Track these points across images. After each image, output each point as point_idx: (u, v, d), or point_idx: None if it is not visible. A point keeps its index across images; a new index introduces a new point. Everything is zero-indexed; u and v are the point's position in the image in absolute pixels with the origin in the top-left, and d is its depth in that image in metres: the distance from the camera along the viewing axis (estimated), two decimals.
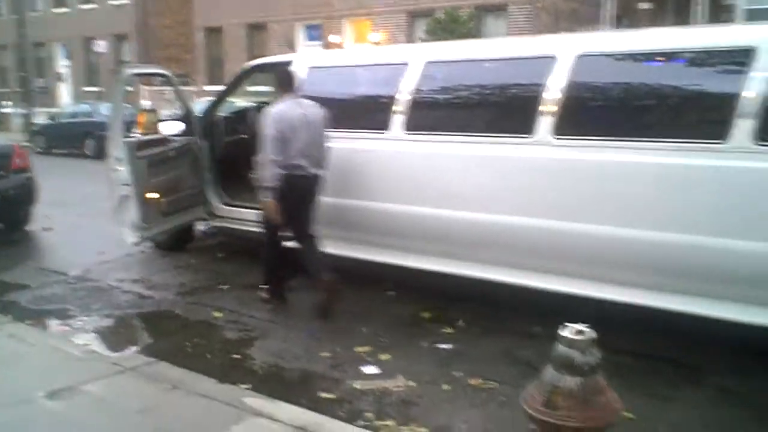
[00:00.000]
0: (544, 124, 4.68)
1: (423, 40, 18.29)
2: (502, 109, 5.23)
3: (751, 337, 4.19)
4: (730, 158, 4.04)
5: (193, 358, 4.59)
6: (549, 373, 2.36)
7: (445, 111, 5.58)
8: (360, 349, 4.65)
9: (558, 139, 4.63)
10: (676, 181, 4.25)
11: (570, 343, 2.31)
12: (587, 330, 2.33)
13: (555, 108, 4.66)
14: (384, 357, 4.51)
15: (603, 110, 4.71)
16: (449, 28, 18.40)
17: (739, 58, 4.12)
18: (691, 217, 4.21)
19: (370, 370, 4.34)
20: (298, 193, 5.31)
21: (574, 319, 2.48)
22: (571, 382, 2.29)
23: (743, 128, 3.99)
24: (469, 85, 5.44)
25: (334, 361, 4.50)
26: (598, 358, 2.37)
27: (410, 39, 21.12)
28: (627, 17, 19.23)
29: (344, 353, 4.61)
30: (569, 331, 2.34)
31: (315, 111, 5.41)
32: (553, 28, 18.41)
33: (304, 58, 6.62)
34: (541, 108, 4.72)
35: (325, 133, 5.48)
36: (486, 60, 5.46)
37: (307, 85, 5.99)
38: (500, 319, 5.14)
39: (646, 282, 4.44)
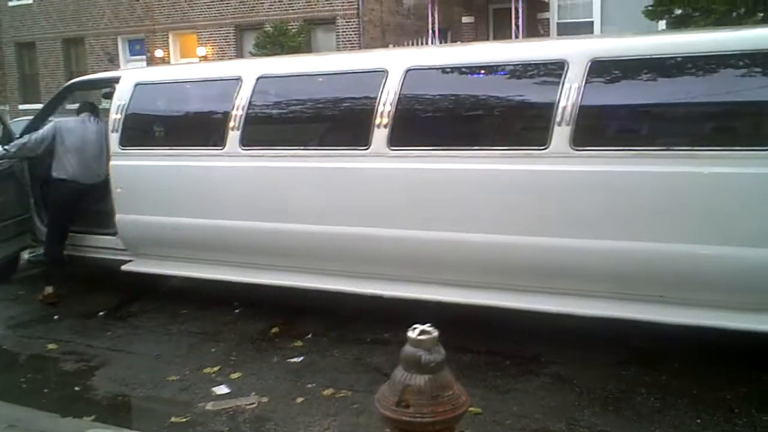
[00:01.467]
0: (379, 136, 4.83)
1: (253, 54, 18.19)
2: (338, 123, 5.35)
3: (581, 327, 4.55)
4: (551, 163, 4.35)
5: (29, 394, 4.34)
6: (399, 373, 2.46)
7: (281, 126, 5.60)
8: (209, 369, 4.57)
9: (392, 150, 4.79)
10: (503, 185, 4.52)
11: (416, 343, 2.43)
12: (431, 330, 2.45)
13: (388, 120, 4.82)
14: (235, 375, 4.46)
15: (434, 121, 4.93)
16: (278, 41, 18.41)
17: (554, 70, 4.45)
18: (518, 219, 4.48)
19: (221, 390, 4.28)
20: (69, 202, 6.05)
21: (418, 322, 2.60)
22: (420, 379, 2.40)
23: (561, 135, 4.32)
24: (304, 100, 5.49)
25: (182, 384, 4.39)
26: (443, 355, 2.49)
27: (240, 53, 20.92)
28: (451, 30, 20.14)
29: (193, 375, 4.51)
30: (415, 331, 2.45)
31: (93, 127, 6.16)
32: (381, 40, 18.95)
33: (131, 74, 6.41)
34: (374, 120, 4.85)
35: (104, 146, 6.00)
36: (320, 74, 5.52)
37: (135, 103, 5.82)
38: (349, 328, 5.23)
39: (483, 282, 4.68)
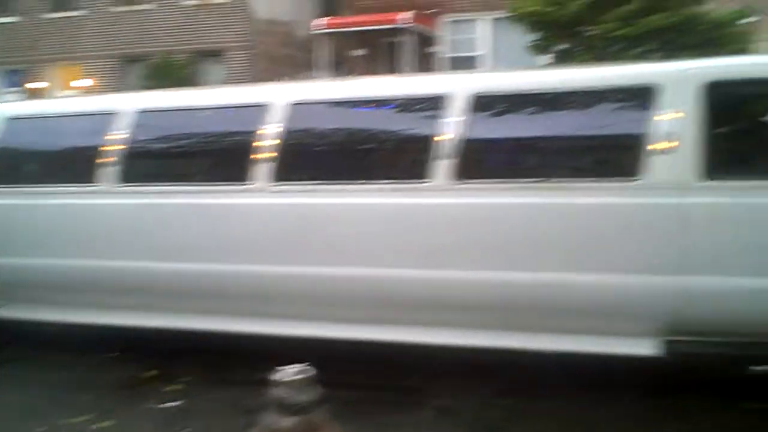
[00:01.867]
0: (262, 171, 4.74)
1: (145, 87, 17.74)
2: (220, 158, 5.22)
3: (462, 357, 4.57)
4: (432, 196, 4.39)
5: None
6: (267, 416, 2.38)
7: (162, 161, 5.42)
8: (80, 418, 4.30)
9: (275, 185, 4.71)
10: (386, 219, 4.52)
11: (284, 384, 2.35)
12: (303, 369, 2.39)
13: (272, 155, 4.74)
14: (106, 424, 4.22)
15: (317, 155, 4.90)
16: (165, 73, 18.04)
17: (436, 105, 4.49)
18: (401, 252, 4.47)
19: None
20: None
21: (302, 359, 2.52)
22: (287, 422, 2.33)
23: (442, 168, 4.36)
24: (185, 134, 5.35)
25: None
26: (315, 396, 2.43)
27: (124, 85, 20.34)
28: (343, 63, 20.31)
29: (62, 425, 4.24)
30: (283, 373, 2.38)
31: None
32: (271, 73, 18.87)
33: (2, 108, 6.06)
34: (258, 155, 4.76)
35: None
36: (202, 108, 5.39)
37: (7, 137, 5.52)
38: (231, 369, 5.04)
39: (367, 317, 4.64)
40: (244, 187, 4.77)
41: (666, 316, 4.07)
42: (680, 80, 4.07)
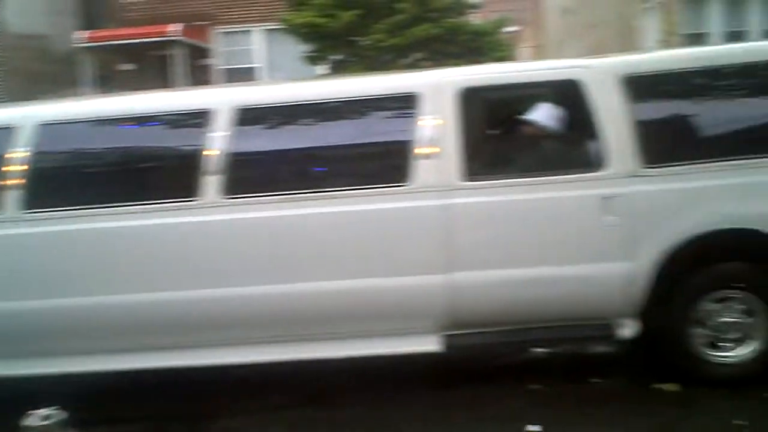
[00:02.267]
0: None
1: None
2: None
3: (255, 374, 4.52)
4: (203, 213, 4.23)
5: None
6: None
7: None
8: None
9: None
10: (157, 240, 4.28)
11: (33, 430, 2.14)
12: (51, 413, 2.17)
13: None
14: None
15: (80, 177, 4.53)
16: None
17: (201, 120, 4.34)
18: (171, 273, 4.28)
19: None
20: None
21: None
22: None
23: (211, 185, 4.23)
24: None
25: None
26: None
27: None
28: (111, 78, 19.22)
29: None
30: (34, 418, 2.16)
31: None
32: (29, 90, 17.36)
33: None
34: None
35: None
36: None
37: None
38: None
39: (150, 343, 4.37)
40: None
41: (443, 312, 4.24)
42: (438, 88, 4.27)
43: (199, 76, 19.87)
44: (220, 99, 4.50)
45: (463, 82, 4.32)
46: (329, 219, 4.23)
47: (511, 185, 4.21)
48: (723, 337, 4.27)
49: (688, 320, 4.23)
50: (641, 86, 4.24)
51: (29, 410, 2.13)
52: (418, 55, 18.32)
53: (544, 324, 4.32)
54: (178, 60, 18.73)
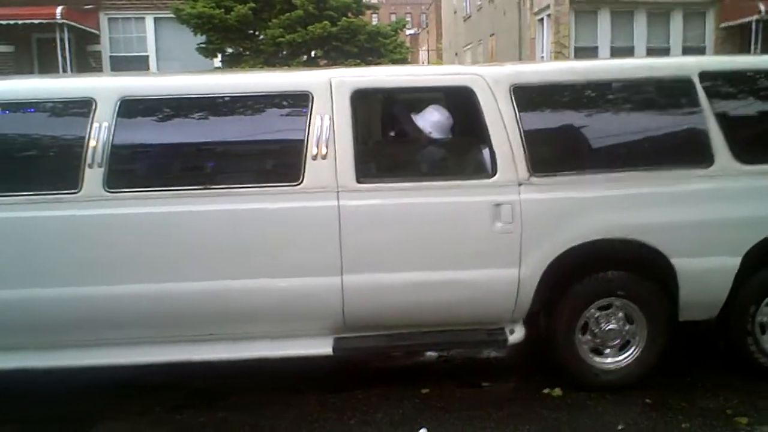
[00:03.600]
0: None
1: None
2: None
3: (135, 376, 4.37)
4: (84, 207, 3.99)
5: None
6: None
7: None
8: None
9: None
10: (33, 234, 4.02)
11: None
12: None
13: None
14: None
15: None
16: None
17: (81, 109, 4.10)
18: (51, 268, 4.02)
19: None
20: None
21: None
22: None
23: (93, 177, 3.99)
24: None
25: None
26: None
27: None
28: None
29: None
30: None
31: None
32: None
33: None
34: None
35: None
36: None
37: None
38: None
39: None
40: None
41: (335, 315, 4.18)
42: (331, 88, 4.17)
43: (85, 62, 19.02)
44: (103, 88, 4.23)
45: (356, 83, 4.24)
46: (219, 217, 4.06)
47: (403, 189, 4.18)
48: (606, 343, 4.40)
49: (573, 327, 4.33)
50: (531, 96, 4.30)
51: None
52: (316, 53, 18.24)
53: (436, 328, 4.33)
54: (62, 44, 17.79)
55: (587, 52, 19.35)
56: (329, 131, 4.10)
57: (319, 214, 4.08)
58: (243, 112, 4.37)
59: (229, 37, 17.66)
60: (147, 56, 19.88)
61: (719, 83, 4.44)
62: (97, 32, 19.28)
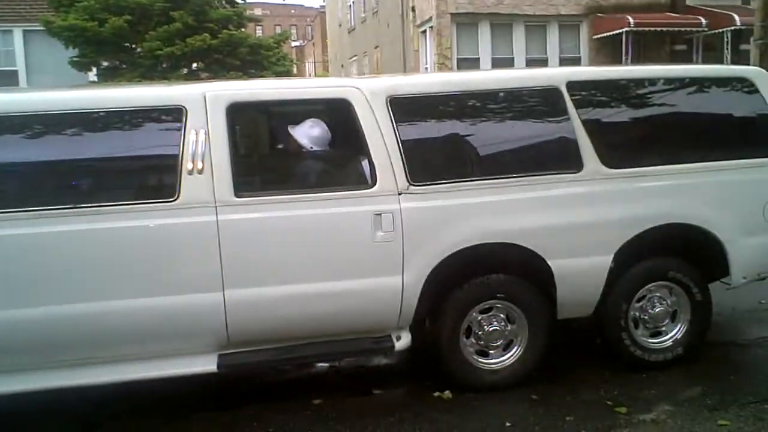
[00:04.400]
0: None
1: None
2: None
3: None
4: None
5: None
6: None
7: None
8: None
9: None
10: None
11: None
12: None
13: None
14: None
15: None
16: None
17: None
18: None
19: None
20: None
21: None
22: None
23: None
24: None
25: None
26: None
27: None
28: None
29: None
30: None
31: None
32: None
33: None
34: None
35: None
36: None
37: None
38: None
39: None
40: None
41: (218, 331, 4.09)
42: (205, 102, 4.08)
43: None
44: None
45: (232, 97, 4.17)
46: (93, 236, 3.90)
47: (282, 201, 4.13)
48: (490, 344, 4.51)
49: (457, 331, 4.41)
50: (408, 107, 4.37)
51: None
52: (197, 66, 17.90)
53: (323, 339, 4.31)
54: None
55: (469, 63, 19.92)
56: (205, 145, 4.01)
57: (197, 229, 3.98)
58: (116, 127, 4.17)
59: (103, 50, 17.12)
60: (16, 71, 18.90)
61: (585, 92, 4.66)
62: None
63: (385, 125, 4.24)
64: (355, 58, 31.91)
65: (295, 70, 20.67)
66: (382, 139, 4.22)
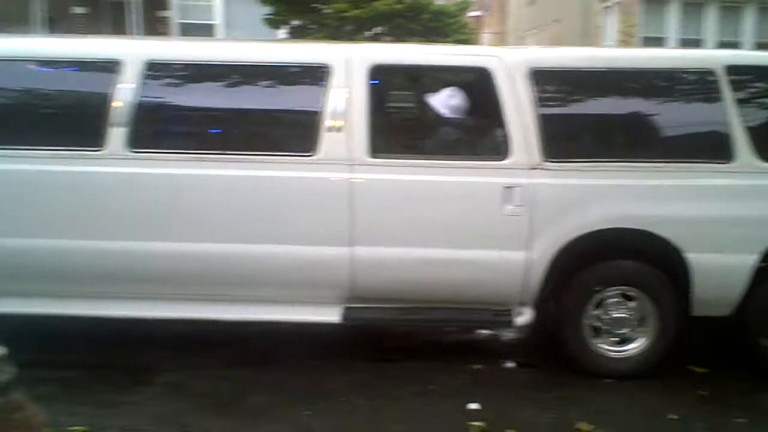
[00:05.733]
0: None
1: None
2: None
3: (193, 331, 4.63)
4: (107, 165, 4.18)
5: None
6: None
7: None
8: None
9: None
10: (54, 188, 4.23)
11: None
12: None
13: None
14: None
15: None
16: None
17: (111, 70, 4.26)
18: (77, 222, 4.23)
19: None
20: None
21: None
22: None
23: (116, 136, 4.17)
24: None
25: None
26: (11, 375, 2.27)
27: None
28: (61, 20, 18.70)
29: None
30: None
31: None
32: None
33: None
34: None
35: None
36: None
37: None
38: None
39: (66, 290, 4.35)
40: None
41: (345, 285, 4.28)
42: (350, 63, 4.23)
43: (154, 28, 19.50)
44: (130, 50, 4.39)
45: (375, 59, 4.30)
46: (234, 182, 4.19)
47: (414, 165, 4.23)
48: (615, 332, 4.36)
49: (581, 314, 4.32)
50: (549, 80, 4.29)
51: None
52: (380, 29, 18.23)
53: (443, 305, 4.38)
54: (134, 9, 18.32)
55: (654, 42, 18.85)
56: (345, 105, 4.18)
57: (332, 185, 4.17)
58: (263, 81, 4.47)
59: (295, 10, 17.83)
60: (213, 25, 20.27)
61: (747, 79, 4.36)
62: None
63: (523, 97, 4.20)
64: (533, 31, 31.07)
65: (472, 39, 20.46)
66: (519, 112, 4.18)
